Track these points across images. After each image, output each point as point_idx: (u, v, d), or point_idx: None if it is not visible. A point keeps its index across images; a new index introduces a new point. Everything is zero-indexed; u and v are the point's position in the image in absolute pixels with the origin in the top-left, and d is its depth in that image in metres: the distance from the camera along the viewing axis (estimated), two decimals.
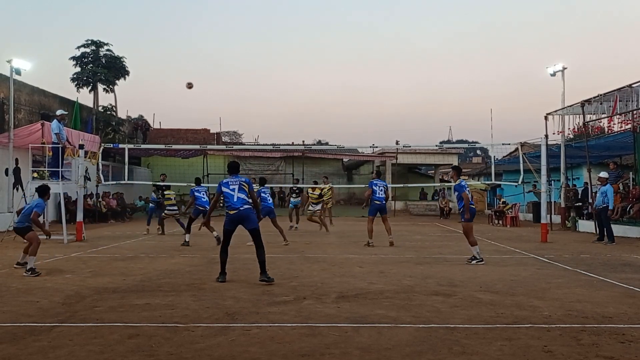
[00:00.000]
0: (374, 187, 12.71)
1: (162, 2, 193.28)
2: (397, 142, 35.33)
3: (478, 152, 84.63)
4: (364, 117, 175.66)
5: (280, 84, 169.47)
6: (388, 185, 13.09)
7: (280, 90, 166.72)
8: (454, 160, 37.27)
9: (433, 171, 41.92)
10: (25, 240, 8.89)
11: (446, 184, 35.45)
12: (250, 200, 7.96)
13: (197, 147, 26.66)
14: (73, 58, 31.25)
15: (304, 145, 33.08)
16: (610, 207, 14.25)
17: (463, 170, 47.68)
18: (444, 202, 29.21)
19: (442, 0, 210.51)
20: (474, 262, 9.81)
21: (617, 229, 15.94)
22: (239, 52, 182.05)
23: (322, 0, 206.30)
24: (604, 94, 16.99)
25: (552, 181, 20.92)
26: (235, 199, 7.82)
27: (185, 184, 19.92)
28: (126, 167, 17.71)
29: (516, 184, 18.11)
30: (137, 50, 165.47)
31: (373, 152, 37.44)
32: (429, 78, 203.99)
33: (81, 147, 15.35)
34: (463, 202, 9.98)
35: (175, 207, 16.16)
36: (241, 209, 7.79)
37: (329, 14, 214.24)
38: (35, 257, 8.68)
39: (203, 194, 13.54)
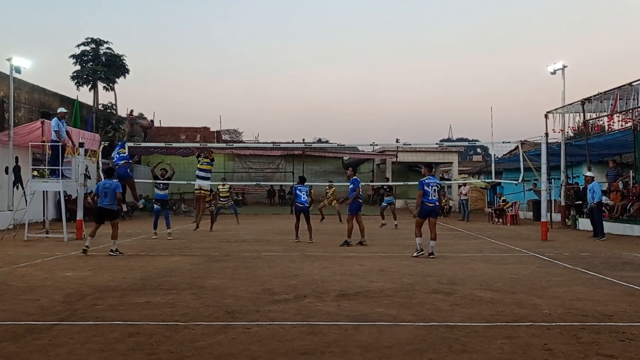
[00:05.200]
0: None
1: (162, 0, 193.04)
2: (397, 140, 35.40)
3: (478, 150, 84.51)
4: (365, 115, 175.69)
5: (280, 83, 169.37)
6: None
7: (280, 89, 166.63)
8: (454, 159, 37.30)
9: (433, 169, 41.90)
10: None
11: (446, 182, 35.49)
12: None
13: (198, 145, 26.63)
14: (73, 56, 31.19)
15: (304, 143, 33.04)
16: (596, 201, 14.61)
17: (463, 168, 47.63)
18: (444, 201, 29.19)
19: (441, 0, 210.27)
20: (415, 254, 10.49)
21: (617, 227, 15.97)
22: (238, 51, 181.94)
23: (323, 2, 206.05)
24: (604, 92, 16.99)
25: (552, 179, 20.92)
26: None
27: (185, 182, 19.92)
28: None
29: (516, 182, 18.09)
30: (137, 49, 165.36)
31: (373, 151, 37.44)
32: (429, 77, 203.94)
33: (81, 145, 15.34)
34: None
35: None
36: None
37: (330, 15, 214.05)
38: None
39: (304, 193, 13.62)
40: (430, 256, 10.36)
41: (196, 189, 17.03)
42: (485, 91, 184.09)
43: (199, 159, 16.50)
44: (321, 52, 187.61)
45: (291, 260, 10.10)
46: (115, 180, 11.29)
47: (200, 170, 16.23)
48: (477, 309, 5.93)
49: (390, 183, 21.35)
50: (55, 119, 14.73)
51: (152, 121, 36.56)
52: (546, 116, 19.75)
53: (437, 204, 10.86)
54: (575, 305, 6.10)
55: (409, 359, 4.25)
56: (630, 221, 15.97)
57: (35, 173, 15.03)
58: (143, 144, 26.14)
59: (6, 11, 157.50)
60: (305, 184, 14.18)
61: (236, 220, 19.96)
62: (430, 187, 10.61)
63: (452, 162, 37.71)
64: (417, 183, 11.08)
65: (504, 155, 28.44)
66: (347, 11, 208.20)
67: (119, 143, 14.41)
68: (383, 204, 20.36)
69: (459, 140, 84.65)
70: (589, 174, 15.35)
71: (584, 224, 18.47)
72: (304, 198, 13.54)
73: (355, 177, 13.28)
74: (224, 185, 20.53)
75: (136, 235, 15.51)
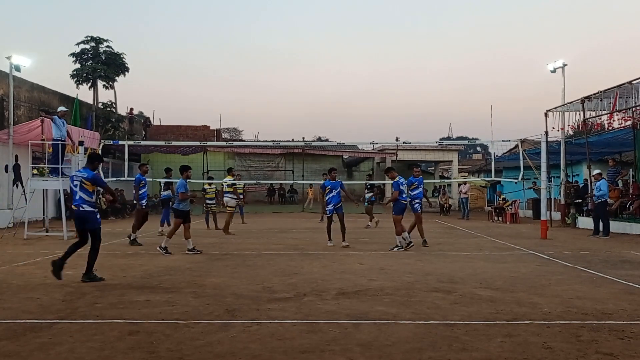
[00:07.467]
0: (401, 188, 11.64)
1: None
2: (397, 139, 35.32)
3: (478, 148, 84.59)
4: (365, 114, 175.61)
5: (281, 82, 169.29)
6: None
7: (280, 87, 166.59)
8: (454, 157, 37.28)
9: (433, 168, 41.91)
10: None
11: (446, 180, 35.47)
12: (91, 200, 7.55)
13: (197, 143, 26.64)
14: (73, 54, 31.18)
15: (304, 142, 33.02)
16: (596, 197, 14.89)
17: (463, 167, 47.75)
18: (444, 199, 29.23)
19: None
20: (395, 249, 11.39)
21: (617, 226, 15.98)
22: (239, 50, 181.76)
23: (322, 2, 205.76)
24: (604, 90, 16.97)
25: (552, 178, 20.91)
26: (77, 197, 7.60)
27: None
28: (126, 163, 17.67)
29: (516, 180, 18.10)
30: (137, 47, 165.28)
31: (373, 149, 37.42)
32: (430, 75, 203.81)
33: (81, 143, 15.33)
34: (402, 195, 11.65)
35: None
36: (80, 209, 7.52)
37: (331, 15, 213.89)
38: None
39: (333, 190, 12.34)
40: (410, 245, 11.48)
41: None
42: (485, 90, 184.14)
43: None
44: (322, 51, 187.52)
45: (291, 258, 10.11)
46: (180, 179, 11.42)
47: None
48: (477, 308, 5.94)
49: (373, 182, 21.30)
50: (55, 117, 14.74)
51: (149, 119, 36.58)
52: (546, 114, 19.73)
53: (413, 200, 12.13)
54: (575, 304, 6.11)
55: (409, 357, 4.26)
56: (629, 219, 15.98)
57: (35, 171, 15.03)
58: (143, 142, 26.18)
59: (6, 10, 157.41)
60: (334, 179, 12.63)
61: (242, 219, 19.98)
62: (405, 187, 11.84)
63: (452, 161, 37.70)
64: (415, 182, 12.14)
65: (503, 153, 28.44)
66: (349, 10, 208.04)
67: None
68: (366, 203, 18.77)
69: (458, 138, 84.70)
70: (597, 171, 15.72)
71: (584, 222, 18.49)
72: (333, 193, 12.26)
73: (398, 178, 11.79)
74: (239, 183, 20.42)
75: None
